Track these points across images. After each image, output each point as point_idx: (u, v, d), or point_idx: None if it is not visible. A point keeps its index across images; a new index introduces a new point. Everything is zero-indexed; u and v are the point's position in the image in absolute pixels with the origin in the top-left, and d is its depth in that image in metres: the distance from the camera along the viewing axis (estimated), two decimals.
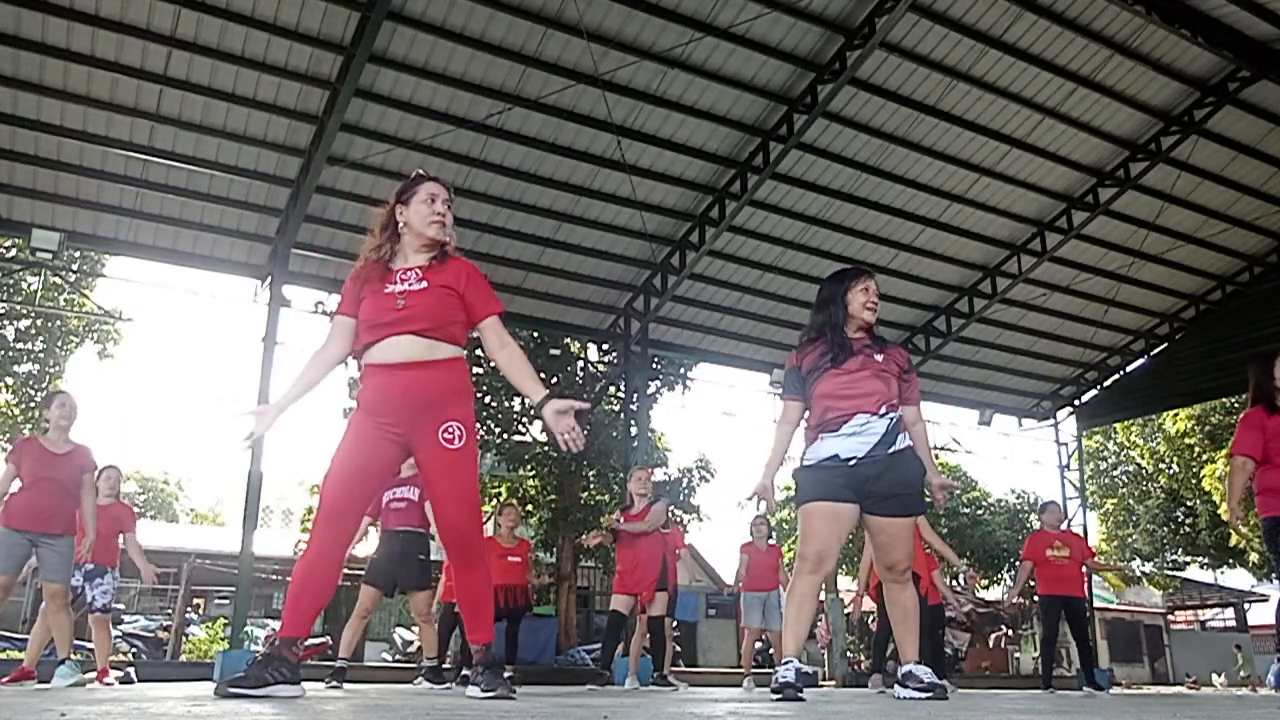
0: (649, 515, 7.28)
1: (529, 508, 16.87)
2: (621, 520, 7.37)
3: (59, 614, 5.83)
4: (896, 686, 3.84)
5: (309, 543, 3.07)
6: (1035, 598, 9.26)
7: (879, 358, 3.77)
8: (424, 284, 3.19)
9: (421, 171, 3.41)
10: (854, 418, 3.66)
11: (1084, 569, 8.50)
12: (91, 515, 5.77)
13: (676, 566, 7.63)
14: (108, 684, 6.57)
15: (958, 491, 8.44)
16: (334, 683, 6.49)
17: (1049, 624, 8.61)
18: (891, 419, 3.69)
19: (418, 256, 3.28)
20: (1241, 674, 22.49)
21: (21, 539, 5.54)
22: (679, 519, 17.15)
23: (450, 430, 3.11)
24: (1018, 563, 9.30)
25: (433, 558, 7.10)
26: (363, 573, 7.11)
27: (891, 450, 3.66)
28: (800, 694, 3.48)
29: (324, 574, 3.08)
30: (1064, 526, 9.15)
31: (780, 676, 3.49)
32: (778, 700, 3.37)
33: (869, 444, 3.64)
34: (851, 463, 3.62)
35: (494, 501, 15.60)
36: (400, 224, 3.29)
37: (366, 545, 7.58)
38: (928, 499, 4.12)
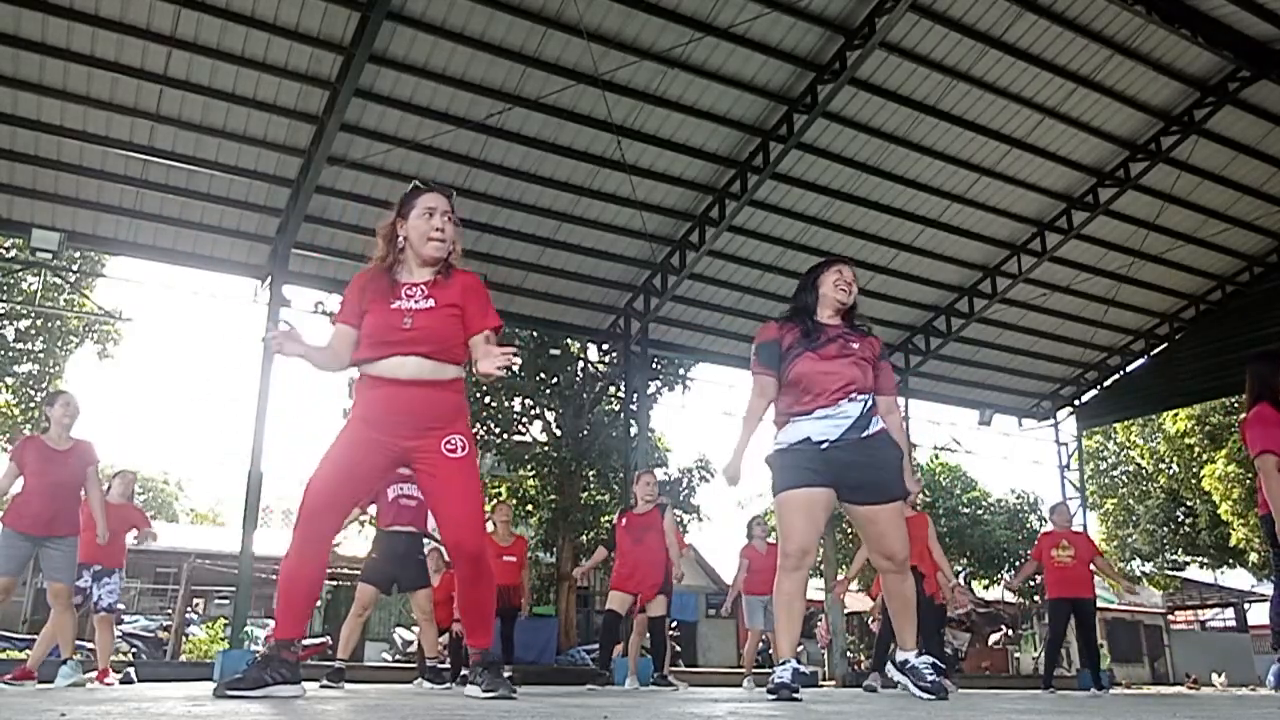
0: (666, 521, 7.28)
1: (529, 508, 16.86)
2: (625, 521, 7.37)
3: (63, 614, 5.85)
4: (892, 669, 3.82)
5: (292, 541, 3.03)
6: (1037, 598, 9.27)
7: (855, 345, 3.72)
8: (430, 301, 3.13)
9: (419, 183, 3.32)
10: (827, 403, 3.60)
11: (1092, 568, 8.44)
12: (100, 506, 5.78)
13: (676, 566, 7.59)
14: (108, 684, 6.58)
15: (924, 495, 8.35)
16: (329, 683, 6.48)
17: (1056, 627, 8.54)
18: (865, 402, 3.63)
19: (421, 271, 3.21)
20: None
21: (24, 541, 5.54)
22: (679, 520, 17.16)
23: (453, 441, 3.09)
24: (1019, 563, 9.30)
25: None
26: (360, 572, 7.12)
27: (865, 434, 3.58)
28: (796, 694, 3.48)
29: (310, 570, 3.05)
30: (1072, 527, 9.12)
31: (776, 677, 3.49)
32: (773, 700, 3.37)
33: (842, 427, 3.56)
34: (823, 445, 3.55)
35: (493, 502, 15.64)
36: (401, 238, 3.23)
37: (363, 543, 7.59)
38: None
